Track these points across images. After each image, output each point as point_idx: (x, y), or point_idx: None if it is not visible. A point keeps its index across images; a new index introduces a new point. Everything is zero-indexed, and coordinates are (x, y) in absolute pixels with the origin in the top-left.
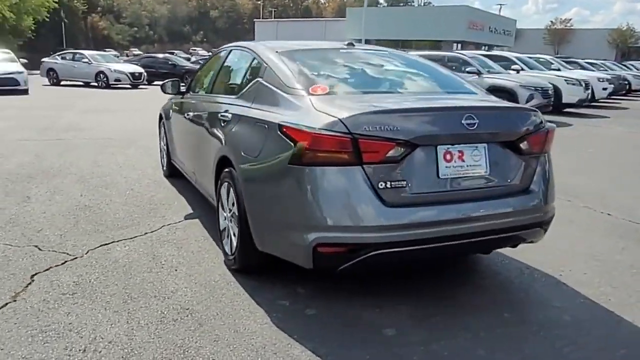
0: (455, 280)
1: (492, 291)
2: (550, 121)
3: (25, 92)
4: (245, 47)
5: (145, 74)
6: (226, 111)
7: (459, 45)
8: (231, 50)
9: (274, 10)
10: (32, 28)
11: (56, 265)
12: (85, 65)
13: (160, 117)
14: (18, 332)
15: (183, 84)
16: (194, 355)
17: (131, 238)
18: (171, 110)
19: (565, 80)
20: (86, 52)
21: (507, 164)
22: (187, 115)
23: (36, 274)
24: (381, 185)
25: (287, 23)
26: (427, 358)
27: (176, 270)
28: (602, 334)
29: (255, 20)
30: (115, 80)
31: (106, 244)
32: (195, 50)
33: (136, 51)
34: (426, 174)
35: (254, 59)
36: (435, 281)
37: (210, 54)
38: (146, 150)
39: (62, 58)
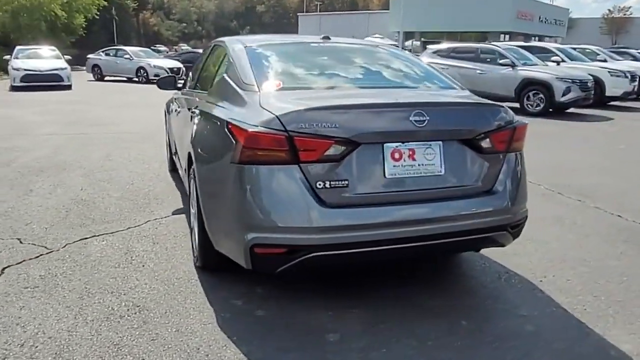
0: (422, 283)
1: (458, 296)
2: (590, 115)
3: (68, 87)
4: (222, 42)
5: (184, 69)
6: (196, 107)
7: (507, 37)
8: (214, 46)
9: (320, 4)
10: (83, 26)
11: (30, 259)
12: (127, 61)
13: (165, 112)
14: None
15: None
16: (125, 354)
17: (112, 233)
18: (171, 105)
19: (609, 72)
20: (128, 49)
21: (466, 163)
22: (177, 111)
23: (8, 266)
24: (319, 185)
25: (331, 16)
26: None
27: (143, 266)
28: (563, 347)
29: (298, 14)
30: (155, 75)
31: (86, 239)
32: None
33: (184, 46)
34: (371, 173)
35: (226, 54)
36: (399, 283)
37: None
38: (161, 145)
39: (106, 54)
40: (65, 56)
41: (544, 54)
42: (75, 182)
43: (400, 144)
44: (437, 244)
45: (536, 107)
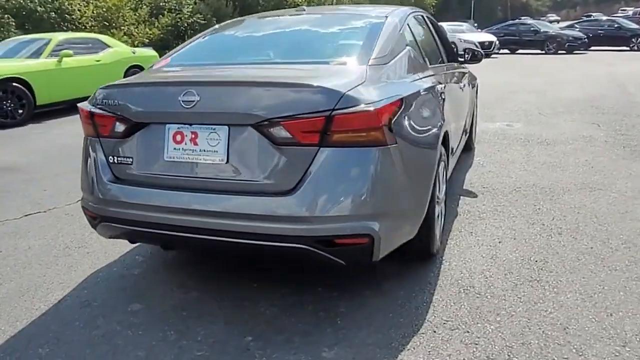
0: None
1: (309, 317)
2: None
3: None
4: None
5: (497, 42)
6: None
7: None
8: None
9: None
10: (433, 4)
11: None
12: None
13: None
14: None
15: None
16: (43, 273)
17: None
18: None
19: None
20: (445, 25)
21: (256, 154)
22: None
23: None
24: (111, 159)
25: None
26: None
27: None
28: None
29: None
30: (464, 50)
31: None
32: (624, 10)
33: (553, 17)
34: (152, 153)
35: None
36: (294, 290)
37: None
38: None
39: None
40: None
41: None
42: None
43: (186, 126)
44: (213, 240)
45: None
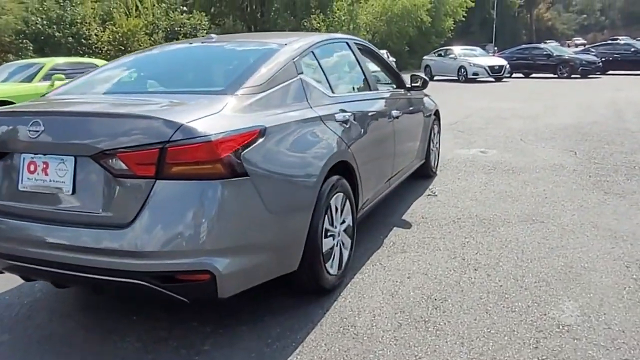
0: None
1: (167, 354)
2: None
3: None
4: None
5: (508, 66)
6: None
7: None
8: None
9: None
10: (451, 28)
11: None
12: (451, 60)
13: None
14: None
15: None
16: None
17: None
18: None
19: None
20: (455, 49)
21: (97, 186)
22: None
23: None
24: None
25: None
26: None
27: None
28: None
29: None
30: (473, 74)
31: None
32: None
33: (579, 40)
34: (9, 182)
35: None
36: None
37: None
38: None
39: (438, 55)
40: (391, 58)
41: None
42: None
43: (39, 155)
44: (61, 274)
45: None
